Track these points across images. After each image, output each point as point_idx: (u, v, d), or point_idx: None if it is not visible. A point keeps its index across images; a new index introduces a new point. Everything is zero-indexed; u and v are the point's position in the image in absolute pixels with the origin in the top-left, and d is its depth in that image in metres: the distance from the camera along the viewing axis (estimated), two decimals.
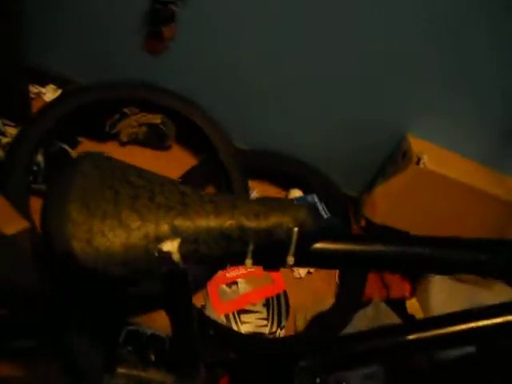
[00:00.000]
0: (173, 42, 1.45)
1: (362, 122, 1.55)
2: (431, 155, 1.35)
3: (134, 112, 1.59)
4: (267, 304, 1.45)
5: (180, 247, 0.55)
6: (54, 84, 1.70)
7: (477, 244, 0.64)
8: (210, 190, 1.66)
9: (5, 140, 1.36)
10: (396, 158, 1.46)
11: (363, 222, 1.58)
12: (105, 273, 0.53)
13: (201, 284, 1.38)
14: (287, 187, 1.78)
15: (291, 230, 0.58)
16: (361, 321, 1.43)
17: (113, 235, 0.54)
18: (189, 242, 0.56)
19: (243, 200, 0.60)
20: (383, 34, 1.32)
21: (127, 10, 1.43)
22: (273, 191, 1.78)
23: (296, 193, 1.73)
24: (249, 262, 0.60)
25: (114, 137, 1.63)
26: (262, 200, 0.62)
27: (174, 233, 0.56)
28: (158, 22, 1.39)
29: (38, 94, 1.64)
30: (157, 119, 1.60)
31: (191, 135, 1.64)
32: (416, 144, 1.40)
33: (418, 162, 1.32)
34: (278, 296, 1.48)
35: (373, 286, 1.57)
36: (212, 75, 1.55)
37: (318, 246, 0.63)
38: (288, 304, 1.48)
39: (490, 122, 1.42)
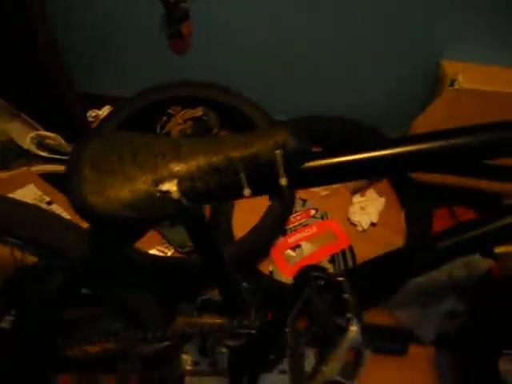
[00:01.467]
0: (192, 38, 1.56)
1: (396, 57, 1.52)
2: (466, 74, 1.28)
3: (178, 110, 1.72)
4: (332, 260, 1.48)
5: (178, 185, 0.63)
6: (110, 105, 1.91)
7: None
8: None
9: None
10: (434, 90, 1.41)
11: None
12: (118, 217, 0.63)
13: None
14: None
15: (274, 152, 0.63)
16: None
17: (119, 186, 0.63)
18: (185, 180, 0.64)
19: (228, 136, 0.67)
20: None
21: (148, 22, 1.58)
22: None
23: None
24: (247, 191, 0.66)
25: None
26: (247, 132, 0.68)
27: (171, 175, 0.64)
28: (174, 22, 1.51)
29: (97, 117, 1.85)
30: (198, 112, 1.71)
31: (234, 120, 1.73)
32: (450, 67, 1.35)
33: (452, 84, 1.27)
34: (343, 251, 1.51)
35: (442, 222, 1.53)
36: (237, 59, 1.63)
37: (310, 164, 0.67)
38: (354, 257, 1.50)
39: None
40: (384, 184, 1.70)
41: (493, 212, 0.73)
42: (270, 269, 1.47)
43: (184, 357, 1.12)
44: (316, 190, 1.68)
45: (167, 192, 0.63)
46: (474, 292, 1.33)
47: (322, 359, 0.55)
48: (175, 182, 0.63)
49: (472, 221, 0.77)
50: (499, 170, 1.38)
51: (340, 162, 0.67)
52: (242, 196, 0.68)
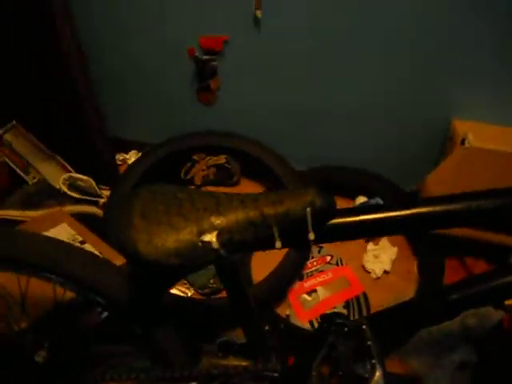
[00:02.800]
0: (219, 91, 1.69)
1: (410, 118, 1.62)
2: (477, 133, 1.37)
3: (202, 157, 1.83)
4: (347, 305, 1.53)
5: (218, 237, 0.71)
6: (136, 149, 2.03)
7: None
8: None
9: (102, 200, 1.66)
10: (445, 146, 1.50)
11: None
12: (164, 263, 0.70)
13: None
14: (353, 196, 1.87)
15: (304, 209, 0.71)
16: None
17: (166, 235, 0.71)
18: (224, 232, 0.71)
19: (263, 194, 0.75)
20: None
21: (181, 77, 1.71)
22: (341, 202, 1.88)
23: (361, 199, 1.83)
24: (278, 243, 0.74)
25: (190, 182, 1.88)
26: (280, 191, 0.76)
27: (212, 227, 0.72)
28: (204, 78, 1.64)
29: (124, 160, 1.96)
30: (221, 159, 1.82)
31: (254, 168, 1.83)
32: (461, 126, 1.44)
33: (463, 142, 1.36)
34: (357, 297, 1.56)
35: (453, 273, 1.58)
36: (258, 111, 1.75)
37: (335, 221, 0.74)
38: (368, 304, 1.54)
39: None
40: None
41: (502, 266, 0.79)
42: (288, 313, 1.52)
43: None
44: None
45: (208, 242, 0.71)
46: (485, 343, 1.36)
47: None
48: (215, 233, 0.71)
49: (483, 274, 0.82)
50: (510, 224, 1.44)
51: (362, 220, 0.74)
52: (273, 247, 0.75)
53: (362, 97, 1.62)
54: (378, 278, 1.64)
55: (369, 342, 0.63)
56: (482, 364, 1.31)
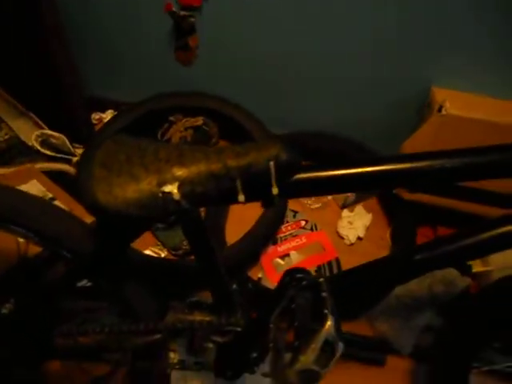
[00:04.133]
0: (198, 49, 1.64)
1: (388, 82, 1.60)
2: (454, 101, 1.37)
3: (179, 118, 1.79)
4: (318, 270, 1.54)
5: (179, 188, 0.70)
6: (113, 109, 1.98)
7: None
8: None
9: (75, 159, 1.63)
10: (423, 113, 1.50)
11: None
12: (124, 214, 0.69)
13: None
14: None
15: (267, 163, 0.70)
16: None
17: (126, 185, 0.70)
18: (186, 183, 0.70)
19: (229, 146, 0.74)
20: None
21: (157, 34, 1.66)
22: None
23: None
24: (241, 197, 0.73)
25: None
26: (244, 144, 0.74)
27: (173, 178, 0.70)
28: (182, 35, 1.59)
29: (100, 119, 1.92)
30: (199, 121, 1.79)
31: (232, 131, 1.81)
32: (439, 93, 1.43)
33: (440, 110, 1.35)
34: (329, 263, 1.57)
35: (425, 240, 1.60)
36: (236, 72, 1.71)
37: (300, 176, 0.74)
38: (340, 269, 1.56)
39: None
40: (372, 201, 1.78)
41: (466, 230, 0.80)
42: (259, 275, 1.53)
43: (171, 355, 1.18)
44: (307, 202, 1.75)
45: (169, 193, 0.69)
46: (450, 308, 1.39)
47: (299, 350, 0.61)
48: (177, 184, 0.70)
49: (447, 237, 0.83)
50: (482, 194, 1.45)
51: (328, 176, 0.73)
52: (236, 201, 0.74)
53: (340, 61, 1.59)
54: (352, 244, 1.66)
55: (323, 294, 0.63)
56: (446, 327, 1.35)
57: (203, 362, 1.01)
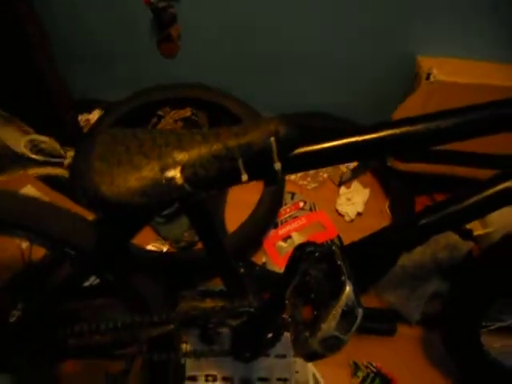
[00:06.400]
0: (181, 40, 1.62)
1: (376, 59, 1.60)
2: (441, 67, 1.37)
3: (167, 111, 1.78)
4: None
5: (181, 172, 0.69)
6: (99, 109, 1.95)
7: None
8: None
9: (66, 161, 1.61)
10: (412, 85, 1.50)
11: None
12: (129, 203, 0.68)
13: None
14: None
15: (268, 139, 0.70)
16: None
17: (128, 174, 0.69)
18: (187, 167, 0.70)
19: (226, 127, 0.73)
20: None
21: (139, 29, 1.63)
22: None
23: None
24: (244, 176, 0.73)
25: None
26: (242, 124, 0.74)
27: (175, 162, 0.70)
28: (164, 27, 1.57)
29: (88, 121, 1.89)
30: (187, 112, 1.77)
31: (221, 118, 1.79)
32: (425, 62, 1.43)
33: (428, 78, 1.36)
34: (331, 240, 1.58)
35: None
36: (223, 58, 1.70)
37: (301, 149, 0.73)
38: (343, 246, 1.57)
39: (498, 18, 1.41)
40: (368, 176, 1.78)
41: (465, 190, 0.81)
42: (264, 260, 1.53)
43: (184, 346, 1.18)
44: (304, 183, 1.75)
45: (172, 178, 0.69)
46: (456, 273, 1.41)
47: (320, 319, 0.62)
48: (179, 168, 0.69)
49: (448, 200, 0.83)
50: (474, 157, 1.46)
51: (328, 147, 0.73)
52: (240, 181, 0.74)
53: (324, 36, 1.58)
54: (352, 220, 1.66)
55: (339, 262, 0.63)
56: (453, 290, 1.36)
57: (216, 349, 1.02)
